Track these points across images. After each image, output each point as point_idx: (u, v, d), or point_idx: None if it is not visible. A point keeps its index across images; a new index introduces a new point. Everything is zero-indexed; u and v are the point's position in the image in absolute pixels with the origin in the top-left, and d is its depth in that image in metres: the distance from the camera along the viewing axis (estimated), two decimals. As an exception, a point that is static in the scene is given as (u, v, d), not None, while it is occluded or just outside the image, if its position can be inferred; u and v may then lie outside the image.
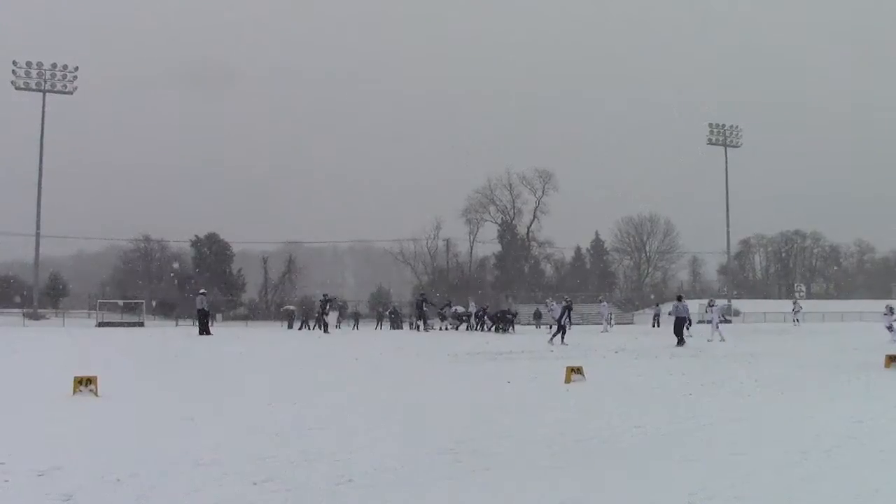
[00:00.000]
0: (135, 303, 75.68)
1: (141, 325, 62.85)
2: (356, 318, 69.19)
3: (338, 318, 64.39)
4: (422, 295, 56.91)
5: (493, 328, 49.41)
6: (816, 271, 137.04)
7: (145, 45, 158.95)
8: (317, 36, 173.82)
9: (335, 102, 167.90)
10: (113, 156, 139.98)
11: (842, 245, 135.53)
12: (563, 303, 38.20)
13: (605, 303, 57.25)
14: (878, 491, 7.65)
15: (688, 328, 33.46)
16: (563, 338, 34.00)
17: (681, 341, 31.17)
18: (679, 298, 34.09)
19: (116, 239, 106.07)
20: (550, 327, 39.54)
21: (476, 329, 50.52)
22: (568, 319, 36.04)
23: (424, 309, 51.87)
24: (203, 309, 40.76)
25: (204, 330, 39.72)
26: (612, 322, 64.31)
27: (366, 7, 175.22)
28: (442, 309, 55.24)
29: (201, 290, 45.10)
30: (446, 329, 52.24)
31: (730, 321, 76.41)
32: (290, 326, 61.19)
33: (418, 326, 51.19)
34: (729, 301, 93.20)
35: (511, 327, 48.78)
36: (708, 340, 34.99)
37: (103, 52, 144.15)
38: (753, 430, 11.03)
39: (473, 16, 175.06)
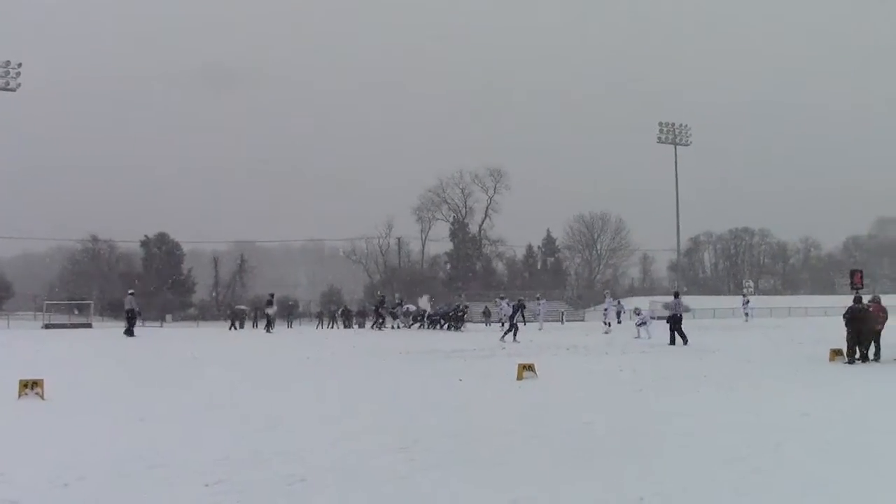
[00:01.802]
0: (83, 304, 74.83)
1: (89, 326, 62.15)
2: (321, 317, 69.34)
3: (288, 318, 64.40)
4: (381, 296, 57.19)
5: (445, 326, 49.45)
6: (764, 268, 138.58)
7: (90, 41, 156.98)
8: (270, 34, 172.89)
9: (285, 101, 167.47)
10: (60, 155, 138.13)
11: (789, 242, 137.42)
12: (516, 301, 38.39)
13: (542, 301, 57.33)
14: (826, 482, 7.78)
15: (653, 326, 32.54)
16: (514, 335, 34.12)
17: (684, 340, 29.74)
18: (676, 295, 33.22)
19: (64, 239, 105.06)
20: (503, 325, 39.67)
21: (428, 327, 50.64)
22: (521, 317, 36.12)
23: (381, 310, 52.19)
24: (132, 309, 40.27)
25: (131, 331, 39.23)
26: (563, 320, 64.69)
27: (315, 3, 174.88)
28: (394, 308, 55.36)
29: (130, 291, 44.50)
30: (398, 328, 52.36)
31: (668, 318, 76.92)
32: (240, 326, 60.84)
33: (375, 325, 51.45)
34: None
35: (462, 324, 48.83)
36: (635, 338, 35.37)
37: (47, 49, 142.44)
38: (703, 425, 11.13)
39: (427, 14, 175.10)
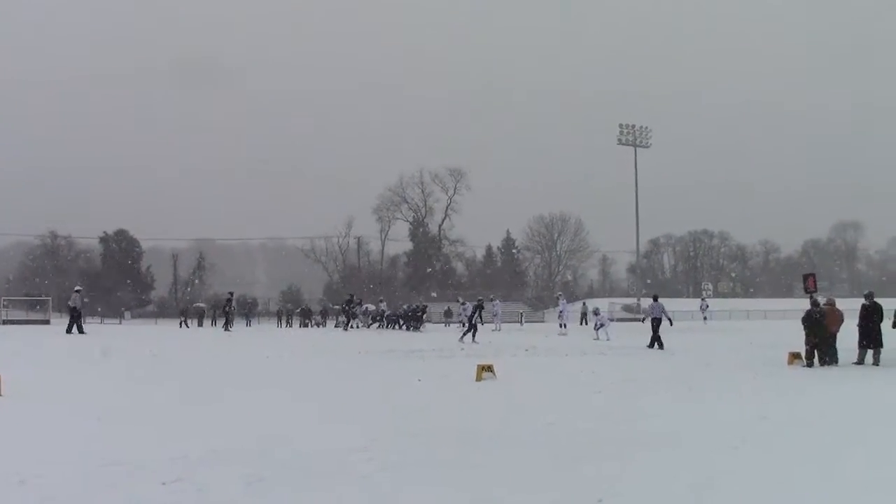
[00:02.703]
0: (41, 300, 74.02)
1: (47, 322, 61.52)
2: (280, 315, 68.96)
3: (247, 317, 64.13)
4: (350, 296, 57.16)
5: (404, 326, 49.46)
6: (723, 270, 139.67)
7: (49, 41, 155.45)
8: (225, 31, 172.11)
9: (244, 98, 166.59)
10: (18, 150, 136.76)
11: (748, 245, 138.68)
12: (475, 301, 38.41)
13: (496, 301, 57.36)
14: (784, 485, 7.83)
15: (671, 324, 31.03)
16: (473, 336, 34.13)
17: (659, 344, 29.16)
18: (655, 298, 32.26)
19: (22, 234, 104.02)
20: (463, 325, 39.70)
21: (387, 327, 50.70)
22: (479, 318, 36.14)
23: (348, 310, 52.18)
24: (75, 307, 39.76)
25: (71, 329, 38.63)
26: (522, 321, 64.84)
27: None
28: (353, 307, 55.40)
29: (76, 288, 43.87)
30: (357, 327, 52.37)
31: (641, 319, 77.47)
32: (199, 324, 60.52)
33: (344, 325, 51.42)
34: (638, 300, 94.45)
35: (421, 325, 48.88)
36: (594, 339, 35.54)
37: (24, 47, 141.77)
38: (662, 427, 11.18)
39: (385, 13, 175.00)
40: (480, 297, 41.18)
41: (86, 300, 40.83)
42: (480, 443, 10.00)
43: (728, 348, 28.85)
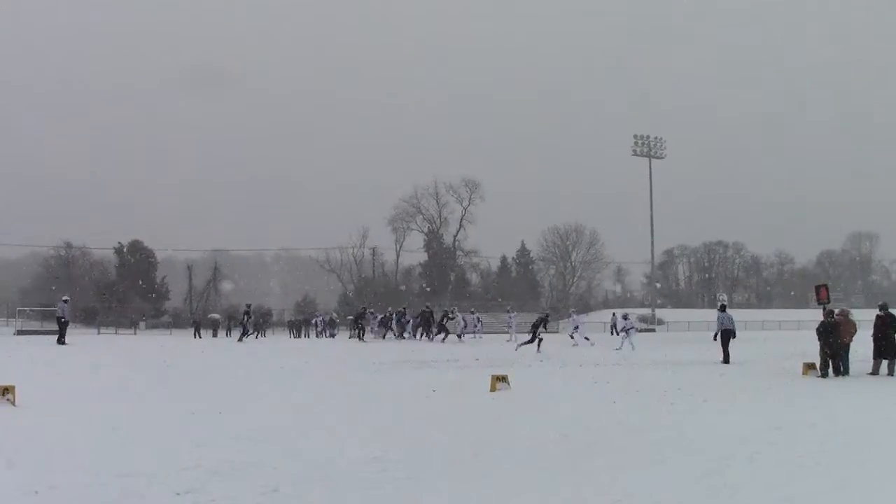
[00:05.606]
0: (55, 310, 74.17)
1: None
2: (297, 326, 68.54)
3: (260, 327, 64.08)
4: (363, 308, 57.06)
5: (419, 336, 49.31)
6: (738, 281, 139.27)
7: (61, 50, 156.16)
8: (239, 39, 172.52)
9: (257, 108, 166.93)
10: (32, 161, 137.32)
11: (762, 256, 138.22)
12: (543, 314, 38.55)
13: (513, 313, 57.29)
14: (798, 496, 7.79)
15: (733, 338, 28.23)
16: (538, 346, 34.43)
17: (725, 357, 27.13)
18: (723, 308, 29.40)
19: (37, 245, 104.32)
20: (470, 335, 39.59)
21: (401, 337, 50.57)
22: (544, 328, 36.36)
23: (361, 321, 52.02)
24: (62, 317, 39.54)
25: (61, 339, 38.38)
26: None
27: (279, 9, 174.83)
28: (366, 318, 55.26)
29: (64, 298, 43.63)
30: (372, 337, 52.29)
31: (653, 329, 77.29)
32: (214, 335, 60.57)
33: (356, 336, 51.21)
34: (653, 310, 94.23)
35: (442, 334, 48.77)
36: (616, 349, 35.50)
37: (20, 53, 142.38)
38: (676, 437, 11.16)
39: (399, 23, 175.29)
40: (547, 312, 41.02)
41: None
42: (494, 454, 9.99)
43: (742, 359, 28.70)
